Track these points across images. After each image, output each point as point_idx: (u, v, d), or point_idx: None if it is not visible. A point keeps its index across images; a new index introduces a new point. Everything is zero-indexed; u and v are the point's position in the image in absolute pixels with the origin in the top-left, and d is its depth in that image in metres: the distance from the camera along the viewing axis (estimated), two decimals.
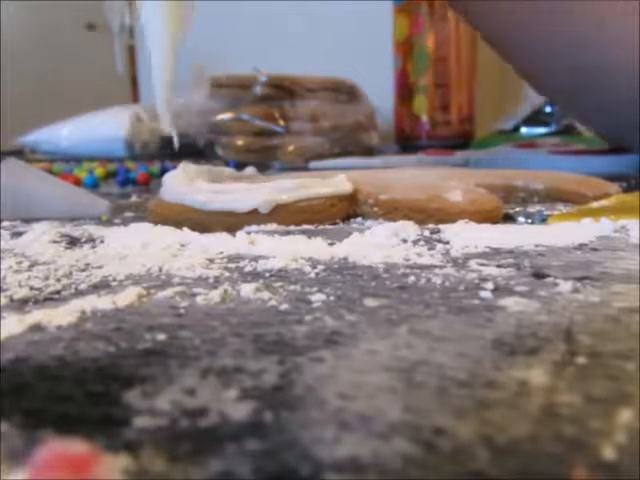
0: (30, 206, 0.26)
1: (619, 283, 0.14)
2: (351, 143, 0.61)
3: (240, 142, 0.59)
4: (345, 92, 0.62)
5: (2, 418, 0.09)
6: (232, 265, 0.17)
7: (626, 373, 0.09)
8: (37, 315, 0.13)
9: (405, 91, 0.68)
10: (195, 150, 0.64)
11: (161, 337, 0.11)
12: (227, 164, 0.51)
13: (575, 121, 0.46)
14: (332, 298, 0.14)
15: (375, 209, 0.24)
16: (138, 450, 0.08)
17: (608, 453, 0.07)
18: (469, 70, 0.67)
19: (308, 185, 0.24)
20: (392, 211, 0.24)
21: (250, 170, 0.31)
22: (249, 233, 0.21)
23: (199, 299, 0.14)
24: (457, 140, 0.66)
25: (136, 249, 0.19)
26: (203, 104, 0.63)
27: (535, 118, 0.65)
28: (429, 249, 0.18)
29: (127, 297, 0.14)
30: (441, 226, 0.21)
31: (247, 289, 0.14)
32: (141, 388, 0.09)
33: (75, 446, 0.07)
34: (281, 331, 0.12)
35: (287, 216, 0.23)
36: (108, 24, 0.89)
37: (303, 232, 0.21)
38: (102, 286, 0.15)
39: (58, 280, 0.16)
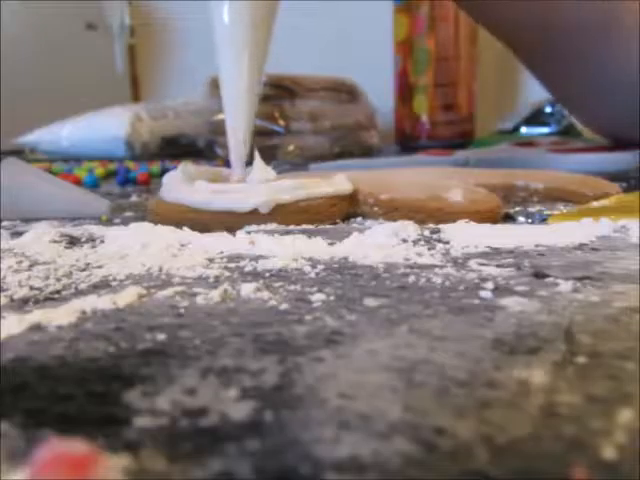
0: (30, 206, 0.26)
1: (619, 283, 0.14)
2: (351, 143, 0.61)
3: None
4: (345, 92, 0.62)
5: (2, 418, 0.09)
6: (232, 265, 0.17)
7: (626, 373, 0.09)
8: (37, 315, 0.13)
9: (405, 91, 0.68)
10: (195, 150, 0.64)
11: (161, 337, 0.11)
12: (227, 164, 0.51)
13: (574, 115, 0.46)
14: (332, 298, 0.14)
15: (375, 209, 0.24)
16: (138, 450, 0.08)
17: (608, 453, 0.07)
18: (469, 70, 0.67)
19: (308, 185, 0.24)
20: (392, 211, 0.24)
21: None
22: (249, 233, 0.21)
23: (199, 299, 0.14)
24: (457, 140, 0.66)
25: (136, 249, 0.19)
26: (203, 104, 0.63)
27: (535, 118, 0.65)
28: (429, 249, 0.18)
29: (127, 297, 0.14)
30: (441, 226, 0.21)
31: (247, 289, 0.14)
32: (141, 388, 0.09)
33: (75, 446, 0.07)
34: (281, 331, 0.12)
35: (287, 216, 0.23)
36: (108, 24, 0.89)
37: (303, 232, 0.21)
38: (102, 286, 0.15)
39: (58, 280, 0.16)
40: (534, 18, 0.36)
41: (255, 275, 0.16)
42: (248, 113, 0.24)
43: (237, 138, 0.24)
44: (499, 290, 0.14)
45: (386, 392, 0.09)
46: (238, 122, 0.24)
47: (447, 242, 0.19)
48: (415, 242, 0.19)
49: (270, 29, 0.24)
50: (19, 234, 0.22)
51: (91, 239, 0.21)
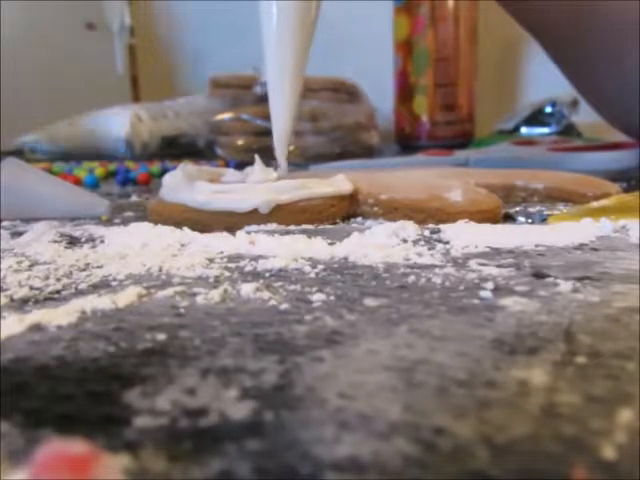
0: (30, 206, 0.26)
1: (619, 283, 0.14)
2: (351, 143, 0.61)
3: (240, 142, 0.59)
4: (345, 92, 0.62)
5: (2, 418, 0.09)
6: (232, 265, 0.17)
7: (626, 373, 0.09)
8: (37, 315, 0.13)
9: (405, 91, 0.68)
10: (195, 150, 0.64)
11: (161, 337, 0.11)
12: (227, 164, 0.51)
13: (600, 113, 0.44)
14: (332, 298, 0.14)
15: (375, 209, 0.24)
16: (138, 450, 0.08)
17: (608, 453, 0.07)
18: (469, 70, 0.67)
19: (308, 185, 0.24)
20: (392, 211, 0.24)
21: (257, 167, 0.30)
22: (249, 233, 0.21)
23: (199, 299, 0.14)
24: (457, 140, 0.66)
25: (136, 249, 0.19)
26: (203, 104, 0.63)
27: (535, 118, 0.65)
28: (429, 249, 0.18)
29: (127, 297, 0.14)
30: (441, 226, 0.21)
31: (247, 289, 0.14)
32: (141, 388, 0.09)
33: (75, 446, 0.07)
34: (281, 331, 0.12)
35: (287, 216, 0.23)
36: (108, 24, 0.89)
37: (303, 232, 0.21)
38: (102, 286, 0.15)
39: (58, 280, 0.16)
40: (569, 13, 0.36)
41: (255, 275, 0.16)
42: (291, 111, 0.25)
43: (280, 135, 0.25)
44: (499, 290, 0.14)
45: (386, 392, 0.09)
46: (282, 120, 0.25)
47: (447, 242, 0.19)
48: (415, 242, 0.19)
49: (313, 30, 0.27)
50: (19, 234, 0.22)
51: (91, 239, 0.21)
